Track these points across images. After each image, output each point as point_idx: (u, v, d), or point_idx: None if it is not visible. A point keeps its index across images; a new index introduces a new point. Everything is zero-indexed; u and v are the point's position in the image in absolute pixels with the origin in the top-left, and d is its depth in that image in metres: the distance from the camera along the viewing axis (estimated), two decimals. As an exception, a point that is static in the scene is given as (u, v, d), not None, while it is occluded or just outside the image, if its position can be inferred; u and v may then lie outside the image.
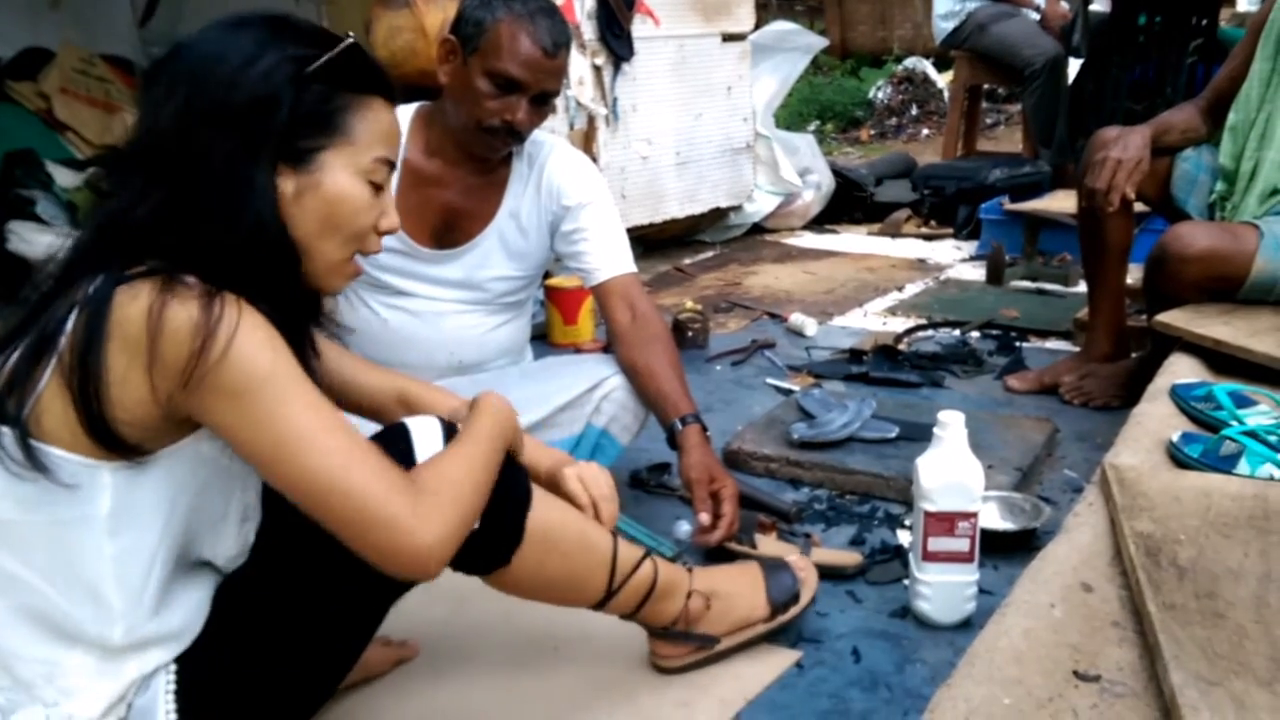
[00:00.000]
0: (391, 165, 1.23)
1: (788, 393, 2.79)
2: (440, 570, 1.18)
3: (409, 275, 2.01)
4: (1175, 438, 1.69)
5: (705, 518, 1.82)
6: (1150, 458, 1.67)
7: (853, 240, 4.72)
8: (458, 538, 1.18)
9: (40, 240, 3.34)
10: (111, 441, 1.07)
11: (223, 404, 1.07)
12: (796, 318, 3.39)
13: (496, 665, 1.65)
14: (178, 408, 1.08)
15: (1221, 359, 2.04)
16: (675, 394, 1.93)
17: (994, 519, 2.00)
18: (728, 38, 4.41)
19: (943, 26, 5.11)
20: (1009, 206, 4.16)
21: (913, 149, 6.75)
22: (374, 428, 1.35)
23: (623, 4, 3.92)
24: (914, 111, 8.19)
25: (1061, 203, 3.90)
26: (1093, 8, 4.84)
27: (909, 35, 9.58)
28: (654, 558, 1.53)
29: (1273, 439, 1.65)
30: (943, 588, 1.71)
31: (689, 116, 4.32)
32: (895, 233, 4.75)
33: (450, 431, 1.33)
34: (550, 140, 2.10)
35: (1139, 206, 2.59)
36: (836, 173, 5.04)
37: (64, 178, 3.67)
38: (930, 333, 3.33)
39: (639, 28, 4.01)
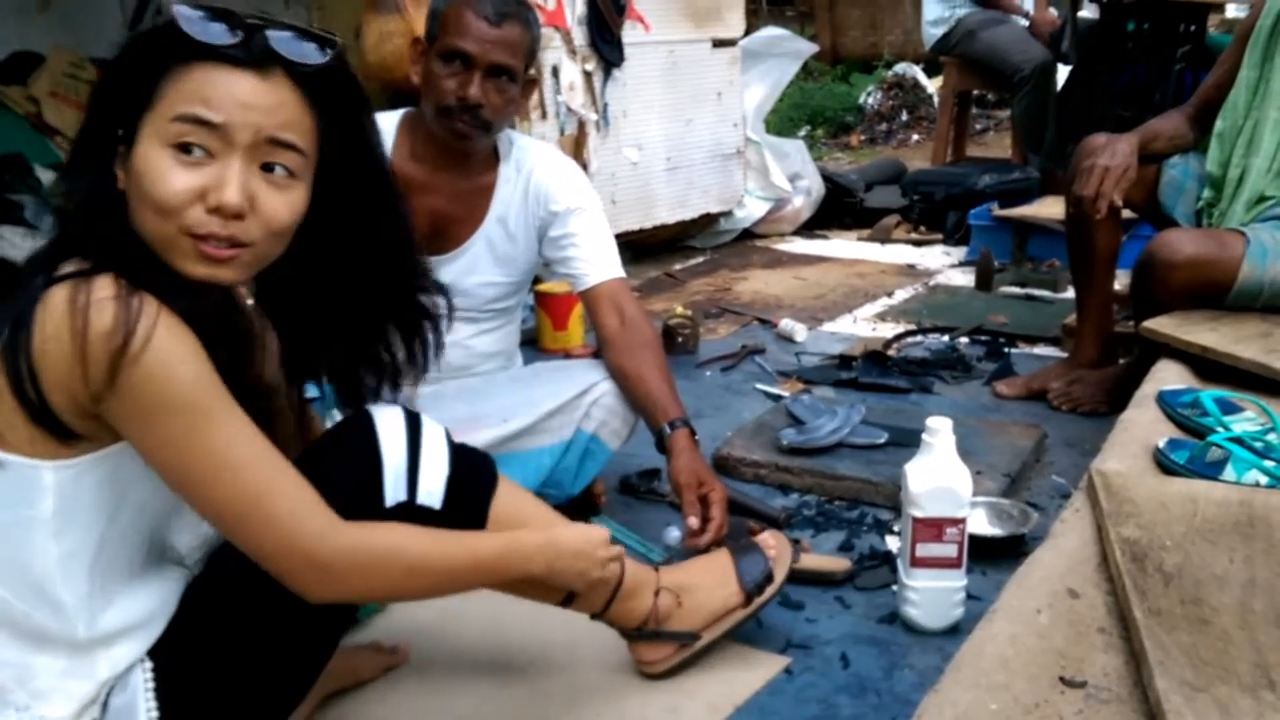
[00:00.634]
0: (202, 123, 1.08)
1: (777, 398, 2.80)
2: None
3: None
4: (1162, 444, 1.69)
5: (694, 521, 1.82)
6: (1137, 464, 1.68)
7: (842, 246, 4.72)
8: (353, 600, 1.25)
9: (28, 245, 3.33)
10: (55, 427, 1.08)
11: (137, 421, 1.08)
12: (786, 323, 3.40)
13: (485, 671, 1.65)
14: (104, 413, 1.08)
15: (1208, 365, 2.05)
16: (664, 398, 1.93)
17: (982, 525, 2.01)
18: (718, 43, 4.41)
19: (932, 33, 5.13)
20: (998, 212, 4.17)
21: (903, 154, 6.76)
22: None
23: (613, 9, 3.92)
24: (904, 117, 8.20)
25: (1050, 209, 3.91)
26: (1081, 14, 4.86)
27: (899, 41, 9.60)
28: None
29: (1259, 445, 1.66)
30: (931, 593, 1.71)
31: (679, 122, 4.32)
32: (885, 238, 4.76)
33: (414, 424, 1.35)
34: (537, 145, 2.10)
35: (1127, 213, 2.61)
36: (826, 178, 5.05)
37: (53, 183, 3.67)
38: (919, 338, 3.34)
39: (629, 33, 4.02)
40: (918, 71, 8.47)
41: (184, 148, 1.09)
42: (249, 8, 1.18)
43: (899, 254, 4.54)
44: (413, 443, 1.36)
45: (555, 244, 2.05)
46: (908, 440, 2.20)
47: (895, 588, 1.81)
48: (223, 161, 1.10)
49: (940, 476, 1.67)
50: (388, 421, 1.35)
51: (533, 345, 3.22)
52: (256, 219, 1.12)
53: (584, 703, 1.57)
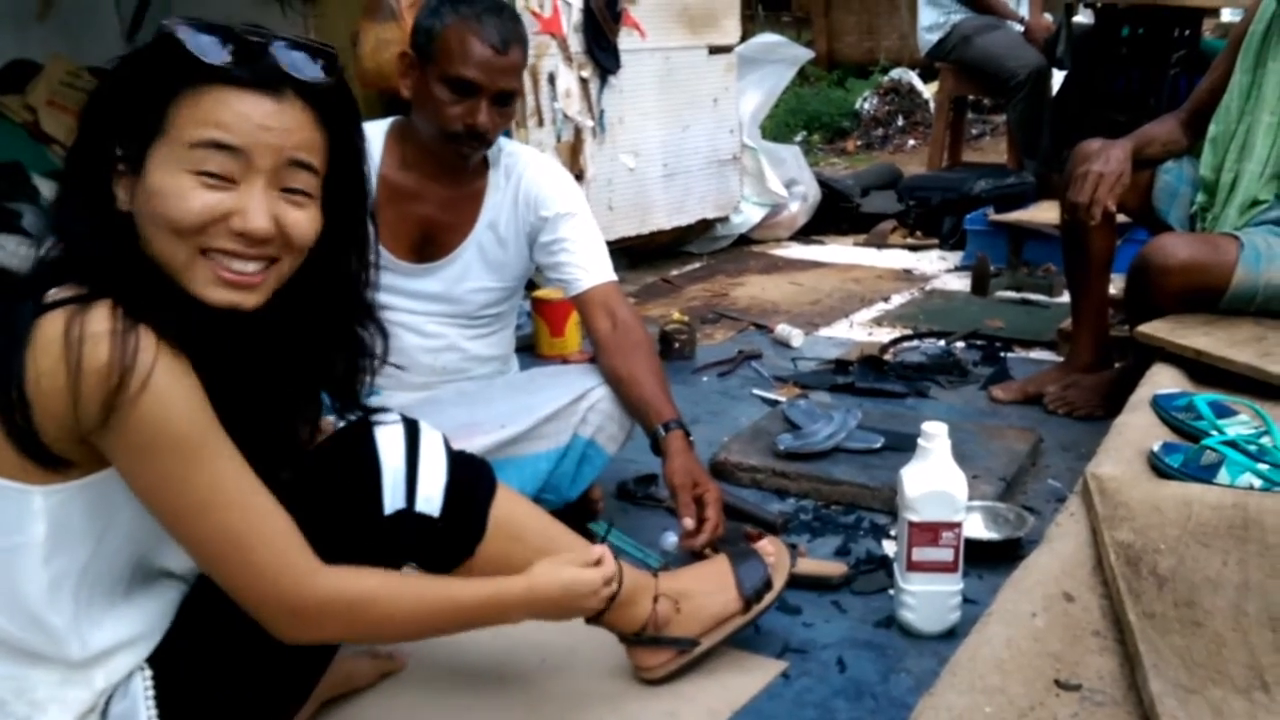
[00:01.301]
0: (223, 147, 1.09)
1: (774, 403, 2.80)
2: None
3: (388, 290, 1.99)
4: (1156, 447, 1.70)
5: (689, 522, 1.81)
6: (1132, 467, 1.68)
7: (839, 251, 4.73)
8: (329, 643, 1.27)
9: (25, 254, 3.33)
10: (45, 457, 1.07)
11: (127, 456, 1.08)
12: (783, 329, 3.40)
13: (483, 677, 1.65)
14: (95, 442, 1.08)
15: (1202, 369, 2.06)
16: (658, 400, 1.93)
17: (978, 529, 2.02)
18: (714, 50, 4.42)
19: (927, 38, 5.13)
20: (994, 217, 4.18)
21: (899, 160, 6.77)
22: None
23: (609, 17, 3.93)
24: (900, 122, 8.21)
25: (1046, 214, 3.92)
26: (1076, 19, 4.87)
27: (895, 47, 9.61)
28: (619, 561, 1.53)
29: (1252, 448, 1.66)
30: (927, 597, 1.72)
31: (676, 128, 4.33)
32: (881, 244, 4.77)
33: (412, 431, 1.35)
34: (526, 151, 2.11)
35: (1121, 218, 2.62)
36: (823, 184, 5.05)
37: (50, 191, 3.66)
38: (915, 343, 3.34)
39: (625, 40, 4.03)
40: (913, 77, 8.49)
41: (205, 173, 1.09)
42: (245, 17, 1.19)
43: (895, 259, 4.55)
44: (411, 450, 1.36)
45: (546, 249, 2.05)
46: (904, 445, 2.20)
47: (892, 592, 1.81)
48: (245, 186, 1.10)
49: (936, 481, 1.68)
50: (386, 429, 1.35)
51: (530, 352, 3.22)
52: (282, 240, 1.12)
53: (582, 708, 1.57)
